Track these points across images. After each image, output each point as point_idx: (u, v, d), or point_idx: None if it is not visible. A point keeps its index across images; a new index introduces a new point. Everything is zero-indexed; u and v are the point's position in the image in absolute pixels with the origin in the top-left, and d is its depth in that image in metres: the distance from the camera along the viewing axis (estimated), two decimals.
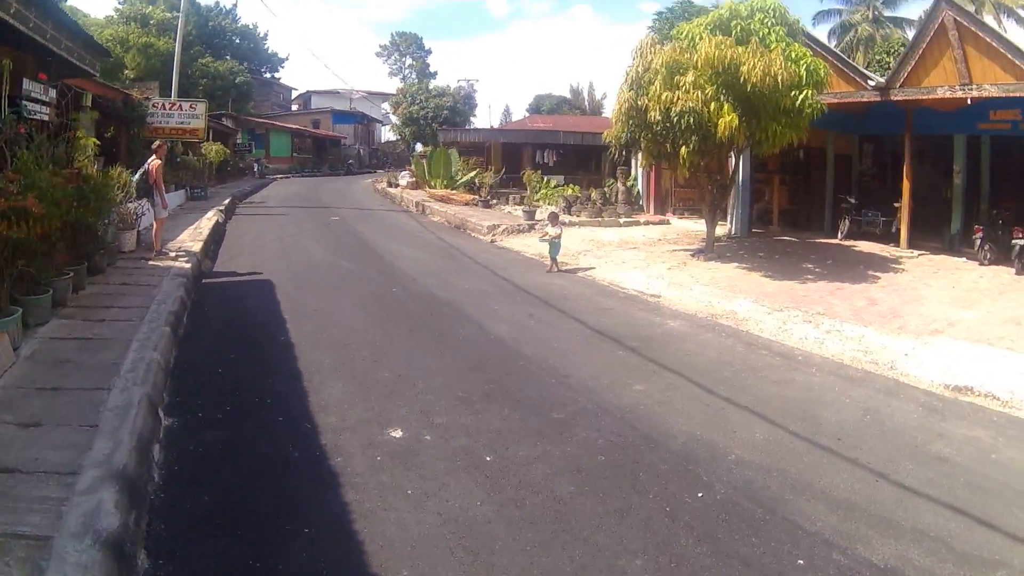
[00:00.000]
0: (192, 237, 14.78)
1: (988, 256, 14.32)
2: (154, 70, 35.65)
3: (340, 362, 7.37)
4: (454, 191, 28.34)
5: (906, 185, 16.52)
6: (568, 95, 71.89)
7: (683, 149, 13.37)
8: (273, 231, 18.26)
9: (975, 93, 13.85)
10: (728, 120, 12.43)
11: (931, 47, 14.74)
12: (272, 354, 7.62)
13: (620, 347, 8.28)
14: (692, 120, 12.53)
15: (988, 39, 13.70)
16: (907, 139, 16.66)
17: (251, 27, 56.03)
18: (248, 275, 11.96)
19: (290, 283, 11.28)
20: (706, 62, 12.53)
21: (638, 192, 24.91)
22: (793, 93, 12.69)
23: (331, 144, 56.82)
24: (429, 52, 73.58)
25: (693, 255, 15.44)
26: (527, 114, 62.55)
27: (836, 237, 18.93)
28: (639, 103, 13.45)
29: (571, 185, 27.62)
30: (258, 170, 40.85)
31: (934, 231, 16.97)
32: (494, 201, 25.02)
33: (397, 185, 35.04)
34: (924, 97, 15.12)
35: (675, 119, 12.68)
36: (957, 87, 14.18)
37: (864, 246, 17.15)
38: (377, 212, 25.37)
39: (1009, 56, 13.23)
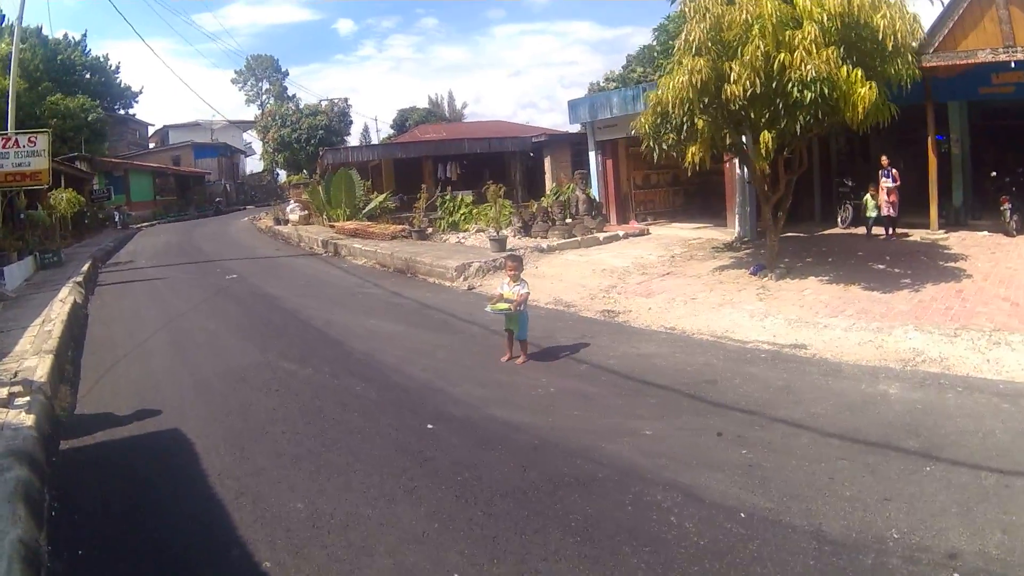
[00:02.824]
0: (37, 344, 8.83)
1: (1016, 227, 13.09)
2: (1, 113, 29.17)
3: None
4: (369, 222, 23.19)
5: (932, 160, 14.18)
6: (428, 107, 67.14)
7: (764, 134, 9.41)
8: (155, 309, 12.42)
9: (1021, 56, 12.26)
10: (867, 92, 8.82)
11: (972, 7, 13.28)
12: None
13: (957, 472, 4.62)
14: (825, 91, 8.67)
15: None
16: (928, 109, 14.15)
17: (102, 59, 48.41)
18: (137, 420, 6.39)
19: (219, 434, 5.93)
20: (836, 12, 8.98)
21: (595, 199, 20.52)
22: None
23: (195, 181, 49.20)
24: (286, 75, 67.76)
25: (754, 273, 11.64)
26: (392, 132, 57.70)
27: (837, 226, 16.58)
28: (722, 71, 9.26)
29: (506, 201, 22.93)
30: (120, 219, 33.87)
31: (924, 206, 14.66)
32: (430, 230, 20.00)
33: (286, 221, 29.30)
34: (961, 62, 12.99)
35: (792, 90, 8.79)
36: (1000, 50, 12.57)
37: (880, 232, 14.59)
38: (279, 260, 19.72)
39: None
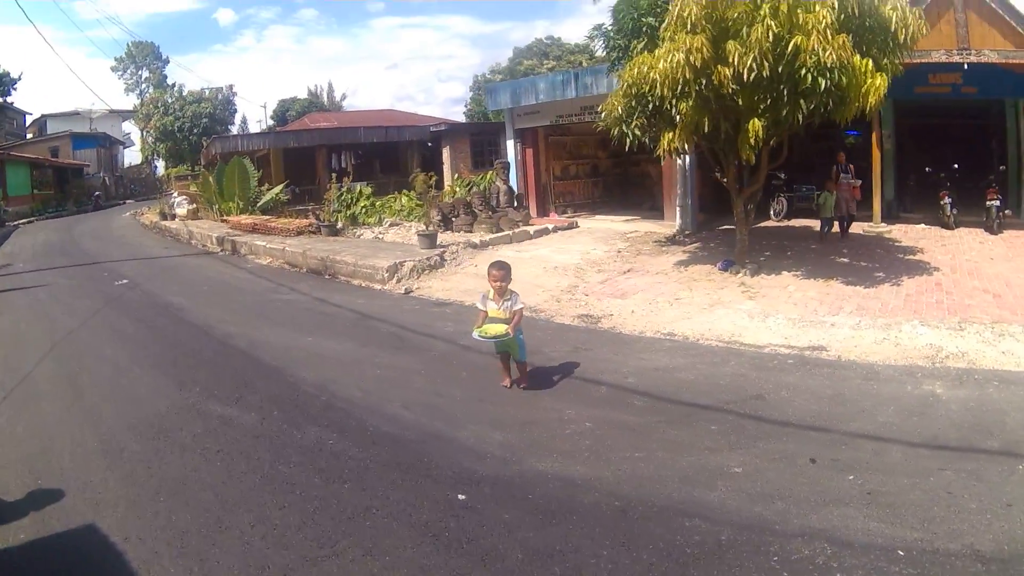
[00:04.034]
0: None
1: (955, 221, 13.46)
2: None
3: None
4: (266, 217, 20.92)
5: (876, 154, 14.02)
6: (308, 97, 64.24)
7: (754, 122, 8.53)
8: (39, 326, 10.05)
9: (973, 58, 12.56)
10: (881, 83, 8.31)
11: (930, 9, 12.93)
12: None
13: None
14: (842, 79, 8.04)
15: (992, 3, 12.82)
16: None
17: None
18: (34, 508, 4.39)
19: (156, 533, 4.01)
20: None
21: (514, 191, 19.09)
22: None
23: (74, 174, 43.42)
24: (167, 62, 62.59)
25: (724, 269, 10.78)
26: (272, 123, 54.46)
27: (770, 219, 16.31)
28: (722, 53, 8.25)
29: (404, 192, 21.18)
30: None
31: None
32: (340, 225, 17.97)
33: (173, 216, 26.23)
34: (915, 61, 12.83)
35: (805, 76, 8.03)
36: (955, 51, 12.72)
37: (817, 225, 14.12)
38: (172, 261, 17.23)
39: (1011, 21, 12.59)
